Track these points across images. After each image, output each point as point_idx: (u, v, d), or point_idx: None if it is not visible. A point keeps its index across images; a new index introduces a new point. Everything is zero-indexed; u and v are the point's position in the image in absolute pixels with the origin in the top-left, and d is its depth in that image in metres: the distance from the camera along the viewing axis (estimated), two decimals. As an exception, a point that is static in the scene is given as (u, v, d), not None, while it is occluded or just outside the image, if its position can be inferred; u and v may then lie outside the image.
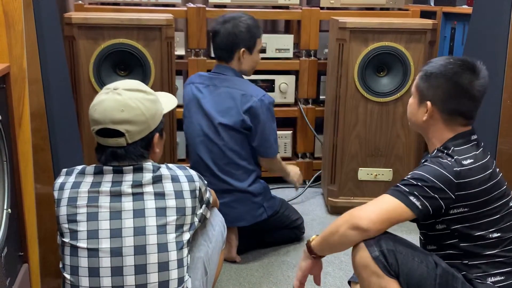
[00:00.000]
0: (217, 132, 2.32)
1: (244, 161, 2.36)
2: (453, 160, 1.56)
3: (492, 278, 1.56)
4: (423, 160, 1.65)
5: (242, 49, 2.36)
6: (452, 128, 1.63)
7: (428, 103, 1.63)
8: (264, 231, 2.55)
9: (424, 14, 3.18)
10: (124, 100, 1.50)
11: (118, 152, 1.51)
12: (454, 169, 1.54)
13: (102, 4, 3.08)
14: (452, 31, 3.04)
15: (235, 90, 2.33)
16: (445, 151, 1.60)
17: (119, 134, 1.50)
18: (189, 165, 2.36)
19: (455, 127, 1.63)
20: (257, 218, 2.40)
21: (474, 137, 1.64)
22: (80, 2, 2.99)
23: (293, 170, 2.66)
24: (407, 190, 1.54)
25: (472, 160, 1.56)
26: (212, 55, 3.08)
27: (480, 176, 1.55)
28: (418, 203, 1.53)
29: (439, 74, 1.61)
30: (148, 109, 1.53)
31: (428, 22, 2.78)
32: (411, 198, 1.53)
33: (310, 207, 3.09)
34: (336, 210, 2.95)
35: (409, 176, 1.58)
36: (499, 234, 1.57)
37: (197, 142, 2.36)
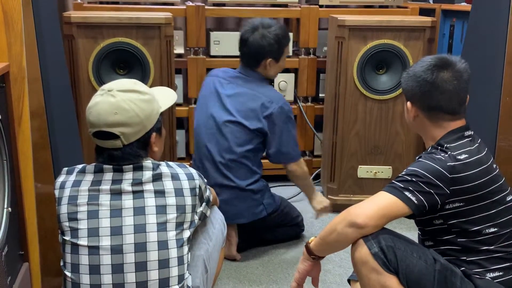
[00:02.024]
0: (231, 128, 2.33)
1: (249, 161, 2.36)
2: (446, 155, 1.56)
3: (491, 273, 1.57)
4: (417, 157, 1.66)
5: (269, 60, 2.38)
6: (441, 125, 1.64)
7: (408, 103, 1.69)
8: (264, 229, 2.56)
9: (423, 12, 3.18)
10: (117, 103, 1.49)
11: (115, 154, 1.52)
12: (448, 164, 1.54)
13: (101, 3, 3.08)
14: (451, 29, 3.04)
15: (257, 94, 2.35)
16: (439, 147, 1.61)
17: (114, 136, 1.50)
18: (189, 163, 2.36)
19: (443, 124, 1.64)
20: (256, 216, 2.41)
21: (468, 132, 1.64)
22: (79, 1, 2.98)
23: (319, 199, 2.57)
24: (402, 186, 1.55)
25: (467, 155, 1.57)
26: (211, 53, 3.10)
27: (475, 170, 1.56)
28: (413, 198, 1.54)
29: (412, 74, 1.66)
30: (143, 110, 1.52)
31: (427, 19, 2.78)
32: (407, 193, 1.54)
33: (309, 205, 3.08)
34: (335, 208, 2.93)
35: (403, 173, 1.59)
36: (495, 229, 1.57)
37: (208, 133, 2.38)
